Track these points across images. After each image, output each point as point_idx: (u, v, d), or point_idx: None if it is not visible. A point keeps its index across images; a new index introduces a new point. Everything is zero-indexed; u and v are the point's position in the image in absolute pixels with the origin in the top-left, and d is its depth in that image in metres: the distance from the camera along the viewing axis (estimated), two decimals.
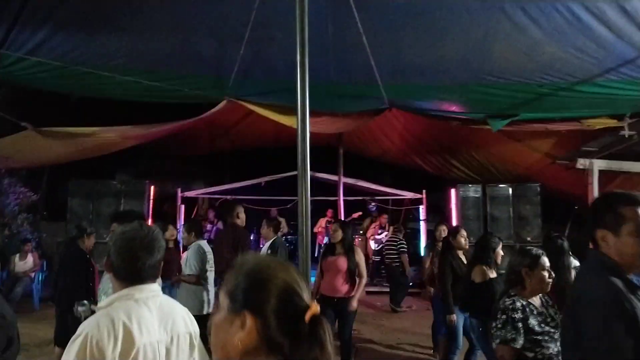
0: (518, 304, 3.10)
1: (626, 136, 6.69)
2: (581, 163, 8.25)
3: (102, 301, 2.06)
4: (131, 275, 2.04)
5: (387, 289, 11.65)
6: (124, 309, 1.95)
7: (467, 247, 6.03)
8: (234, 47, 5.38)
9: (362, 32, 4.60)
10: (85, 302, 4.12)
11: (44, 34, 5.00)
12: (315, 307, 1.20)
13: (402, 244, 10.40)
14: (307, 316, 1.18)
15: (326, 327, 1.19)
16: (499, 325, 3.07)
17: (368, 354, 7.02)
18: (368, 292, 10.98)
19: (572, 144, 8.50)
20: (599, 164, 8.17)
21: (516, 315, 3.05)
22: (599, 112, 6.60)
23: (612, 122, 6.70)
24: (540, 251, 3.37)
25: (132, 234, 2.09)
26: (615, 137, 7.15)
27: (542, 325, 3.06)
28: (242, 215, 6.23)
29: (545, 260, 3.28)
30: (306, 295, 1.24)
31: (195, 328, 2.24)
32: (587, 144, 8.20)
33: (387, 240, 10.90)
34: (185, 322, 2.18)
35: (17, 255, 9.66)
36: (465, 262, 5.84)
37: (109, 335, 1.84)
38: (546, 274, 3.24)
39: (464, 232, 6.05)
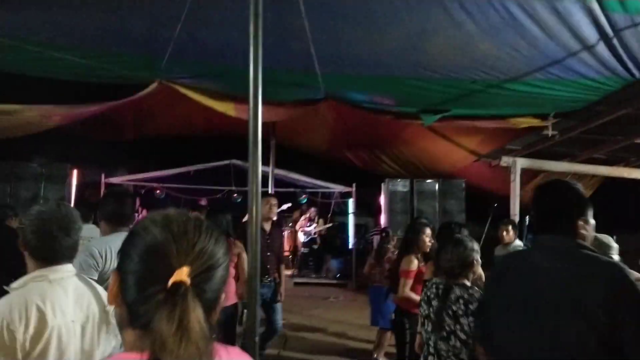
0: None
1: (549, 135, 6.98)
2: (505, 161, 8.55)
3: (16, 282, 2.03)
4: (47, 255, 2.06)
5: (315, 280, 11.84)
6: (38, 290, 1.96)
7: None
8: (167, 27, 5.18)
9: (304, 16, 4.53)
10: None
11: None
12: (181, 274, 0.98)
13: None
14: (170, 281, 0.97)
15: (190, 301, 0.96)
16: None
17: (298, 342, 7.04)
18: (297, 283, 11.06)
19: (496, 142, 8.81)
20: (521, 162, 8.50)
21: None
22: (525, 111, 6.84)
23: (537, 122, 6.97)
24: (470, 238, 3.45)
25: (49, 214, 2.10)
26: (538, 136, 7.46)
27: None
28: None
29: None
30: (178, 259, 1.00)
31: None
32: (511, 143, 8.53)
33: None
34: (102, 299, 2.17)
35: None
36: None
37: (21, 318, 1.84)
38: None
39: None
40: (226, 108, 7.18)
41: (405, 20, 4.84)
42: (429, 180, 11.31)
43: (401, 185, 11.35)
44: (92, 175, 11.71)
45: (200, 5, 4.67)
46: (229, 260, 1.12)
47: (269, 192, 10.66)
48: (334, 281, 12.09)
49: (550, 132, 6.93)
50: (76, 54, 5.76)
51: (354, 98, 7.29)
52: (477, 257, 3.29)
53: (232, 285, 4.93)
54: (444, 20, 4.66)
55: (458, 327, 3.05)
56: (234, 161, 12.30)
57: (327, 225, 13.27)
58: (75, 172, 10.53)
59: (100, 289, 2.23)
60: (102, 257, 2.84)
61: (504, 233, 6.44)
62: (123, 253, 1.07)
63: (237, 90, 6.75)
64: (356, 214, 12.96)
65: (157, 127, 10.71)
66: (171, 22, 5.04)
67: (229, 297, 4.84)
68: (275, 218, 6.02)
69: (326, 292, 10.78)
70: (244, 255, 4.81)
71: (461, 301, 3.07)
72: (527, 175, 8.84)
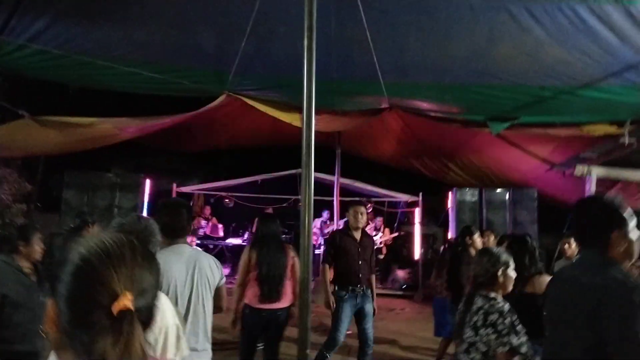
0: (507, 306, 3.03)
1: (626, 143, 6.66)
2: (579, 170, 8.22)
3: None
4: None
5: (380, 291, 11.71)
6: None
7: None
8: (234, 41, 5.34)
9: (366, 27, 4.55)
10: None
11: (44, 22, 4.92)
12: (125, 300, 0.98)
13: None
14: (116, 308, 0.97)
15: (135, 325, 0.99)
16: (505, 331, 2.89)
17: None
18: None
19: (570, 150, 8.49)
20: (597, 171, 8.14)
21: (513, 318, 2.96)
22: (600, 118, 6.58)
23: (612, 129, 6.66)
24: (505, 251, 3.36)
25: (129, 226, 2.27)
26: (614, 144, 7.13)
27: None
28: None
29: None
30: (120, 285, 1.00)
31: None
32: (586, 151, 8.19)
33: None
34: (172, 313, 2.33)
35: None
36: None
37: None
38: (514, 273, 3.24)
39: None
40: (292, 118, 7.29)
41: (470, 27, 4.77)
42: (499, 190, 11.03)
43: (470, 195, 11.12)
44: (165, 184, 12.14)
45: (265, 19, 4.79)
46: (158, 280, 1.14)
47: (334, 201, 10.70)
48: (400, 292, 11.95)
49: (627, 140, 6.60)
50: (149, 69, 6.02)
51: (419, 106, 7.22)
52: (506, 270, 3.18)
53: (288, 286, 4.89)
54: (511, 26, 4.56)
55: (478, 338, 2.99)
56: (300, 170, 12.42)
57: (393, 235, 13.17)
58: (148, 181, 10.98)
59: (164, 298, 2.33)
60: None
61: (566, 246, 6.27)
62: (60, 279, 1.03)
63: (302, 101, 6.84)
64: (423, 223, 12.78)
65: (226, 138, 11.01)
66: (237, 36, 5.19)
67: (286, 299, 4.87)
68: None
69: (392, 304, 10.67)
70: (297, 260, 4.76)
71: (481, 312, 3.02)
72: (604, 184, 8.46)
